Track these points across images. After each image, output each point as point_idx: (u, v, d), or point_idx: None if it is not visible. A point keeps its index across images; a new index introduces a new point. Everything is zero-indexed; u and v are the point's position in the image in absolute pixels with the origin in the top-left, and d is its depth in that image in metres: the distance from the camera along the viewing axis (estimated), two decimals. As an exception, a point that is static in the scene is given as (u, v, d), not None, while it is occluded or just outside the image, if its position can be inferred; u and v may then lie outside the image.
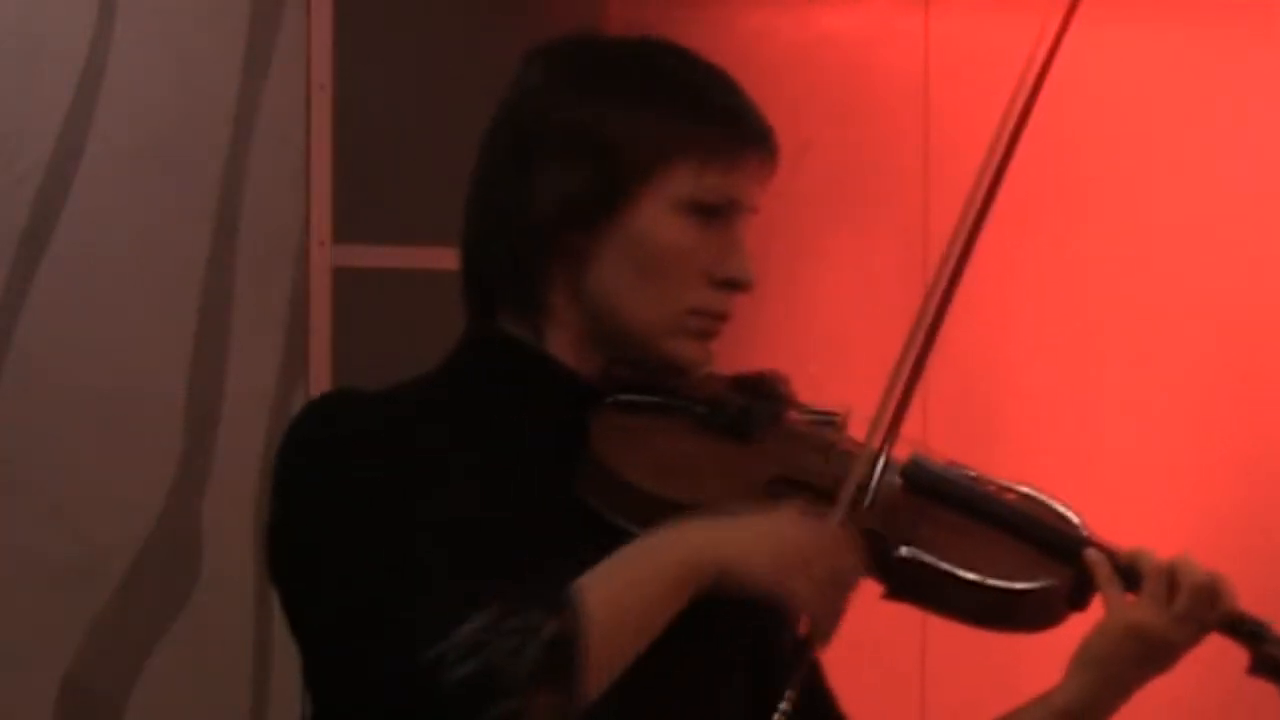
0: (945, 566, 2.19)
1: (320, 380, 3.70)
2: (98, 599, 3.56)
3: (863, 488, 2.20)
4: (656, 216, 2.13)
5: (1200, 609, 2.16)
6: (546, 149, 2.13)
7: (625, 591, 2.08)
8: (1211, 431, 4.33)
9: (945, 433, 2.78)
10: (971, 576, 2.19)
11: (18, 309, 3.53)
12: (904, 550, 2.18)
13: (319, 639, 2.08)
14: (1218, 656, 2.84)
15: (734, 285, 2.14)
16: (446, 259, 3.68)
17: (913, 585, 2.21)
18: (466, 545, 2.09)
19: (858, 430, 2.29)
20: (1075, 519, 2.27)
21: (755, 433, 2.25)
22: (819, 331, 4.32)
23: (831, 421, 2.34)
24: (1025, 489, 2.31)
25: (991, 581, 2.20)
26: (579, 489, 2.13)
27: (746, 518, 2.15)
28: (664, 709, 2.13)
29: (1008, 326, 4.43)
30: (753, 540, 2.13)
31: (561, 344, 2.14)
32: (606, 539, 2.07)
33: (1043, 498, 2.32)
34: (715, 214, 2.12)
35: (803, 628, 2.16)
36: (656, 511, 2.14)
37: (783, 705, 2.10)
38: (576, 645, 2.00)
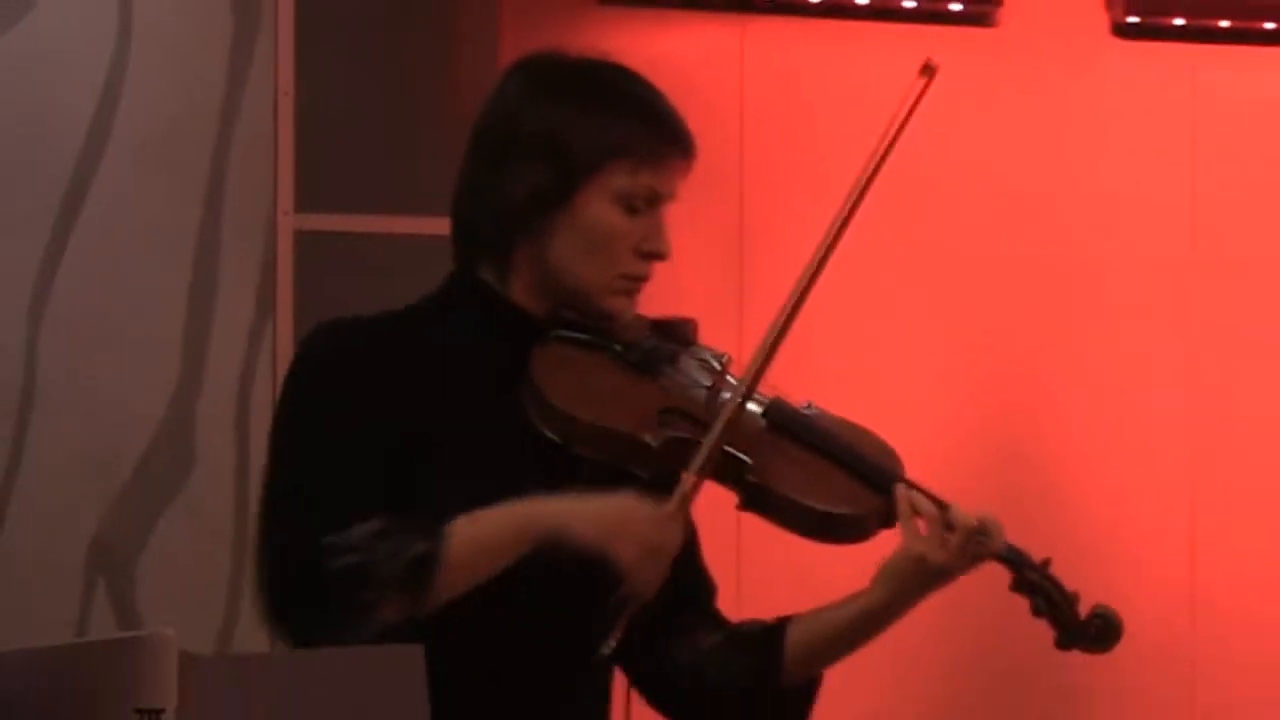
0: (784, 492, 2.63)
1: (285, 317, 4.33)
2: (117, 482, 4.22)
3: (732, 421, 2.60)
4: (599, 206, 2.58)
5: (971, 545, 2.57)
6: (517, 152, 2.55)
7: (482, 533, 2.47)
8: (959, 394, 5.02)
9: (796, 380, 3.02)
10: (804, 502, 2.63)
11: (58, 260, 4.20)
12: (753, 477, 2.59)
13: (262, 510, 2.54)
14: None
15: (656, 257, 2.60)
16: (382, 224, 4.53)
17: (759, 503, 2.62)
18: (387, 464, 2.55)
19: (738, 371, 2.70)
20: (895, 459, 2.74)
21: (655, 369, 2.67)
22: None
23: (720, 362, 2.76)
24: (864, 431, 2.79)
25: (819, 506, 2.64)
26: (520, 398, 2.55)
27: (594, 496, 2.56)
28: (510, 635, 2.52)
29: (836, 300, 4.56)
30: (589, 513, 2.53)
31: (519, 291, 2.57)
32: (536, 442, 2.53)
33: (877, 437, 2.79)
34: (645, 204, 2.59)
35: (624, 586, 2.51)
36: (570, 427, 2.60)
37: (605, 648, 2.50)
38: (434, 566, 2.40)
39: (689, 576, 2.78)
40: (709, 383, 2.74)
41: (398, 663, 2.24)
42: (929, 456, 3.67)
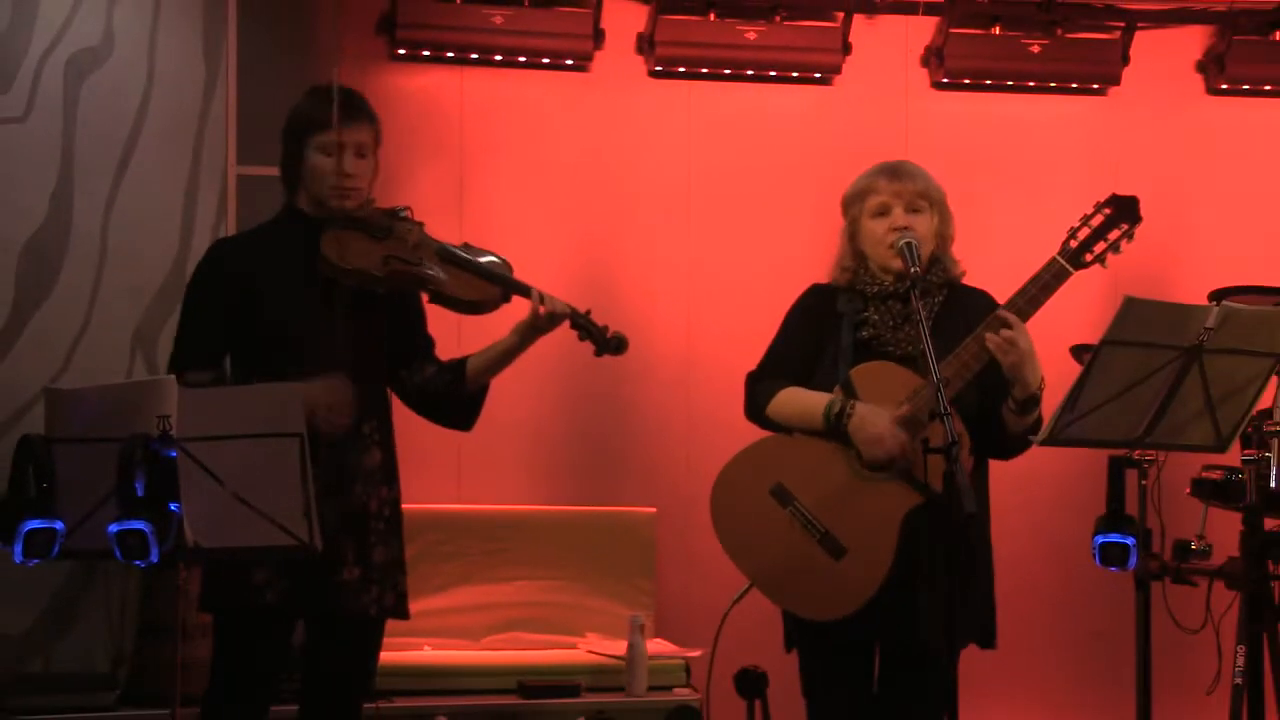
0: (449, 293, 3.92)
1: (231, 223, 5.67)
2: (146, 298, 5.54)
3: (418, 258, 3.83)
4: (316, 156, 3.94)
5: (552, 312, 3.90)
6: (284, 135, 3.99)
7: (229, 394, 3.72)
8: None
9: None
10: (461, 296, 3.93)
11: (114, 201, 5.68)
12: (433, 286, 3.86)
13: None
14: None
15: (349, 178, 3.89)
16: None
17: (441, 300, 3.92)
18: (231, 310, 3.80)
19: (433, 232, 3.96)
20: (508, 269, 3.96)
21: (380, 234, 3.88)
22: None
23: (408, 218, 3.97)
24: (492, 256, 4.04)
25: (472, 298, 3.96)
26: (318, 267, 3.82)
27: (319, 383, 3.66)
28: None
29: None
30: (306, 391, 3.59)
31: (305, 204, 3.98)
32: (323, 284, 3.81)
33: (498, 259, 4.02)
34: (334, 151, 3.89)
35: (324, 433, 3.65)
36: (340, 275, 3.80)
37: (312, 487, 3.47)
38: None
39: (418, 338, 4.06)
40: (412, 237, 3.90)
41: (280, 394, 3.54)
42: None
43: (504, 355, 4.02)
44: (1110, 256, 3.91)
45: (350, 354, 3.88)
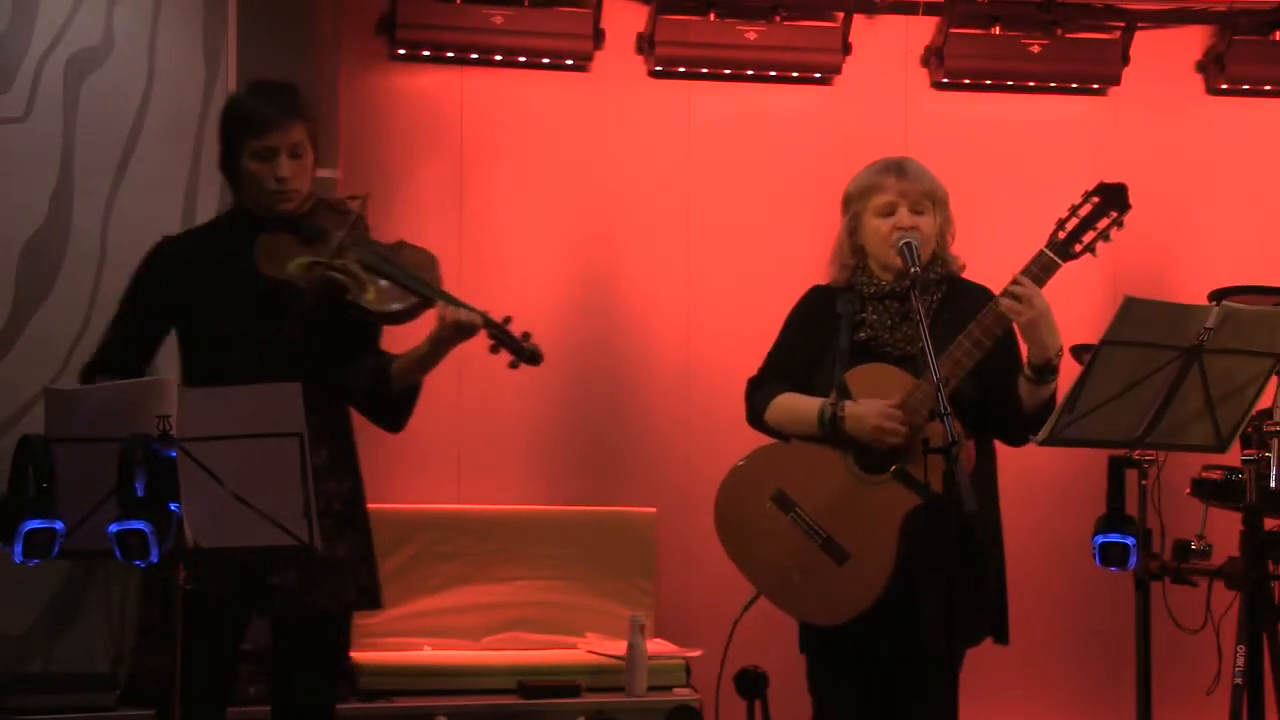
0: (364, 304, 3.85)
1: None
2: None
3: (342, 264, 3.77)
4: (250, 162, 3.88)
5: (467, 319, 3.80)
6: (221, 138, 3.94)
7: None
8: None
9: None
10: (375, 308, 3.85)
11: (114, 201, 5.69)
12: (348, 296, 3.83)
13: None
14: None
15: (284, 181, 3.83)
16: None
17: (356, 310, 3.81)
18: (170, 309, 3.80)
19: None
20: (434, 274, 3.89)
21: (312, 238, 3.83)
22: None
23: (349, 211, 3.89)
24: (422, 254, 3.94)
25: (385, 310, 3.85)
26: (256, 265, 3.81)
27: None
28: None
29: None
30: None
31: (249, 204, 3.92)
32: (265, 286, 3.77)
33: (428, 257, 3.92)
34: (270, 154, 3.83)
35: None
36: (270, 283, 3.76)
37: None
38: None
39: (358, 334, 3.95)
40: (346, 235, 3.82)
41: (280, 393, 3.44)
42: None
43: (419, 363, 3.95)
44: (1101, 245, 3.90)
45: (294, 356, 3.85)
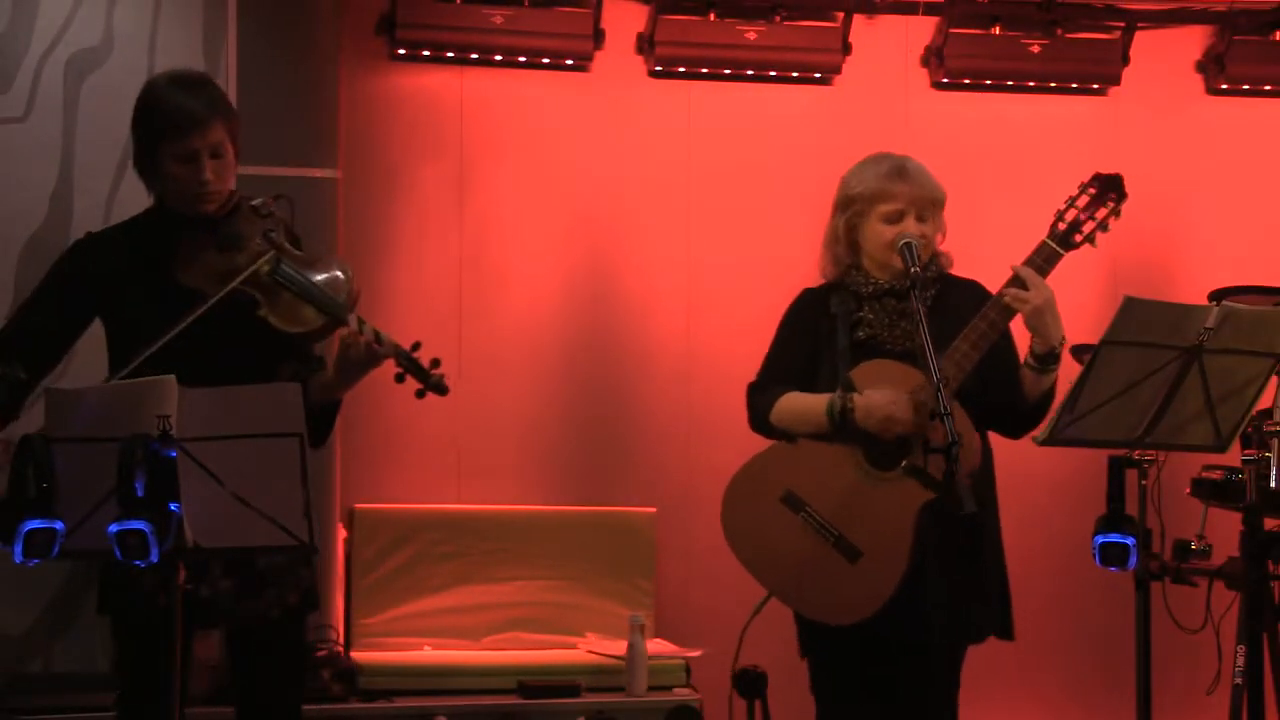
0: (274, 322, 3.75)
1: None
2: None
3: (252, 278, 3.70)
4: (170, 164, 3.77)
5: (372, 345, 3.68)
6: (134, 139, 3.80)
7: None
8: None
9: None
10: (282, 327, 3.76)
11: (114, 201, 5.66)
12: (259, 311, 3.73)
13: None
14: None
15: (204, 184, 3.73)
16: (257, 170, 5.01)
17: (268, 329, 3.73)
18: (83, 303, 3.73)
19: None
20: (347, 294, 3.75)
21: (229, 245, 3.74)
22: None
23: (270, 214, 3.76)
24: (335, 273, 3.79)
25: (293, 329, 3.77)
26: (173, 270, 3.74)
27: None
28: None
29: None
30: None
31: (172, 203, 3.81)
32: (181, 291, 3.69)
33: (341, 279, 3.78)
34: (190, 159, 3.74)
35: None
36: (190, 287, 3.70)
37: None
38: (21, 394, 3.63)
39: (279, 342, 3.81)
40: (250, 249, 3.75)
41: (280, 393, 3.42)
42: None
43: (327, 388, 3.85)
44: (1102, 241, 3.93)
45: (216, 359, 3.77)
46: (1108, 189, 3.87)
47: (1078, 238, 3.87)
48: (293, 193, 4.10)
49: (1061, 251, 3.86)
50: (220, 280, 3.72)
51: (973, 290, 4.02)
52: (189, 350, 3.66)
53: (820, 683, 4.08)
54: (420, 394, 3.78)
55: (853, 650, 3.99)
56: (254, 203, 3.80)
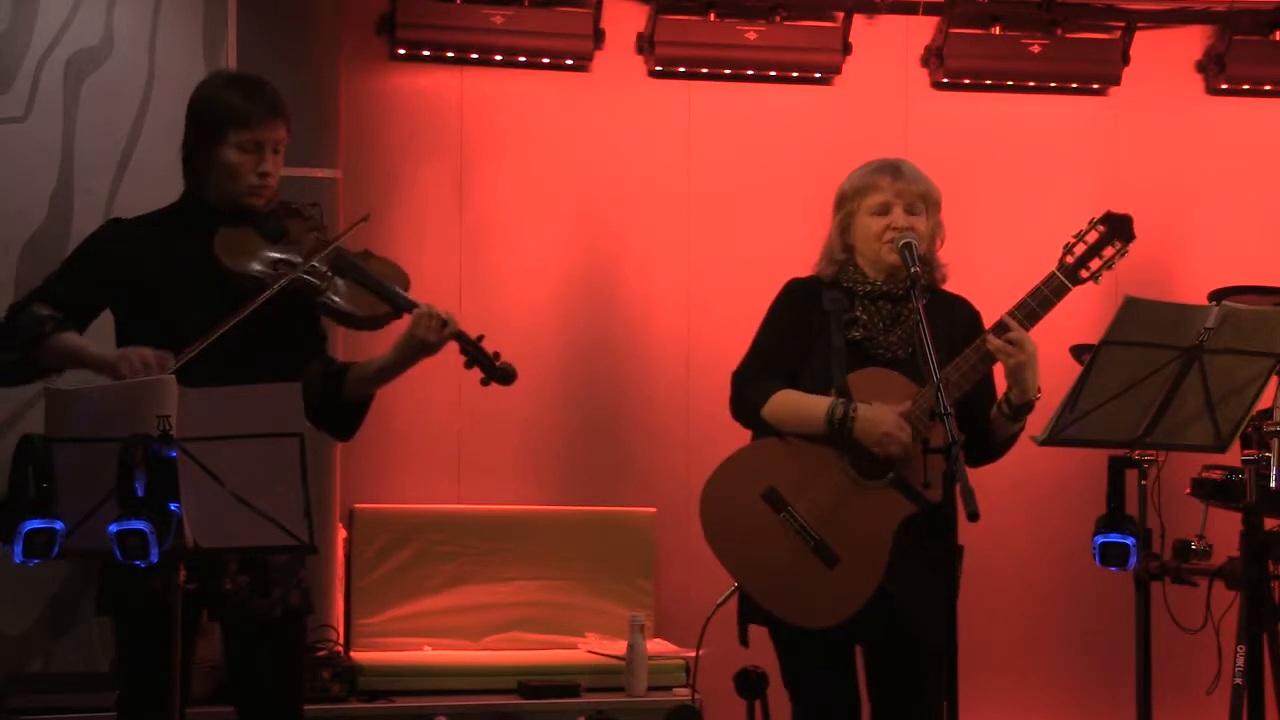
0: (337, 306, 3.80)
1: None
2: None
3: (312, 265, 3.76)
4: (232, 153, 3.81)
5: (439, 330, 3.77)
6: (190, 125, 3.86)
7: (82, 347, 3.68)
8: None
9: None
10: (350, 310, 3.83)
11: (114, 201, 5.77)
12: (320, 298, 3.80)
13: None
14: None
15: (265, 176, 3.80)
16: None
17: (327, 312, 3.81)
18: (110, 284, 3.72)
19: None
20: (404, 283, 3.85)
21: (276, 237, 3.80)
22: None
23: (313, 217, 3.85)
24: (392, 265, 3.91)
25: (359, 314, 3.84)
26: (214, 252, 3.74)
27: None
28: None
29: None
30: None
31: (210, 195, 3.84)
32: (220, 278, 3.72)
33: (397, 269, 3.89)
34: (254, 147, 3.79)
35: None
36: (231, 276, 3.70)
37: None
38: (44, 335, 3.67)
39: (307, 335, 3.93)
40: (311, 237, 3.80)
41: (280, 393, 3.43)
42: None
43: (381, 372, 3.90)
44: (1105, 274, 3.99)
45: (241, 352, 3.79)
46: (1116, 230, 3.91)
47: (1084, 274, 3.90)
48: (293, 192, 4.11)
49: (1070, 285, 3.90)
50: (275, 266, 3.74)
51: (962, 308, 4.04)
52: (228, 344, 3.69)
53: (793, 683, 4.05)
54: (485, 381, 3.87)
55: (826, 652, 4.00)
56: (295, 205, 3.88)
